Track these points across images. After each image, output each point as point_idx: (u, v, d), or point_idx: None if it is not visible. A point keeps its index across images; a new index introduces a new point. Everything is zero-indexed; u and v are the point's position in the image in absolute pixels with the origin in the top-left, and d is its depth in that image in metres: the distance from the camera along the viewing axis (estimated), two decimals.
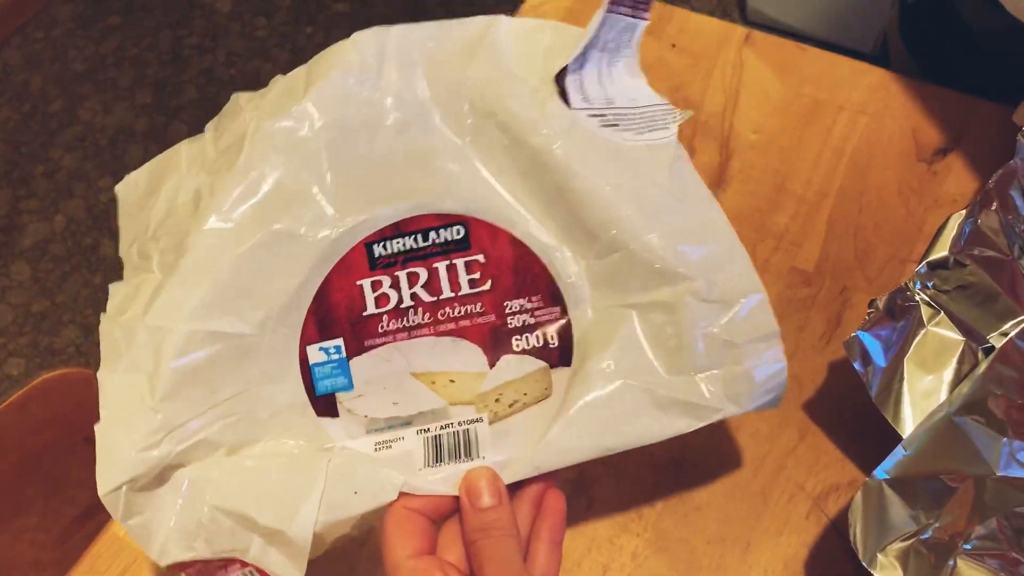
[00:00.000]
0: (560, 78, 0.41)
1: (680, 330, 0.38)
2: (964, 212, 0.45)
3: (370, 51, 0.42)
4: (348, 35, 0.43)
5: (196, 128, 0.44)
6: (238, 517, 0.37)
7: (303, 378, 0.40)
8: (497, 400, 0.40)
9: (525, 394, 0.40)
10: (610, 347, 0.38)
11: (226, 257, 0.39)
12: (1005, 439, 0.41)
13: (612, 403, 0.37)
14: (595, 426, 0.37)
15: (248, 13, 1.79)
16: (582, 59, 0.42)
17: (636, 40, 0.44)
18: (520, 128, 0.40)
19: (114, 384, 0.38)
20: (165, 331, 0.38)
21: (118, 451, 0.37)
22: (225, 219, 0.39)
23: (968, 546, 0.38)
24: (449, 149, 0.42)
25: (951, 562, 0.38)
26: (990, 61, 0.61)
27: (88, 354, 1.43)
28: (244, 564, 0.38)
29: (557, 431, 0.37)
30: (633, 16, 0.43)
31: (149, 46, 1.75)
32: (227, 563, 0.39)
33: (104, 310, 0.41)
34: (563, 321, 0.40)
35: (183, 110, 1.65)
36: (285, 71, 0.43)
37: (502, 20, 0.43)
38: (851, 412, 0.47)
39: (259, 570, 0.38)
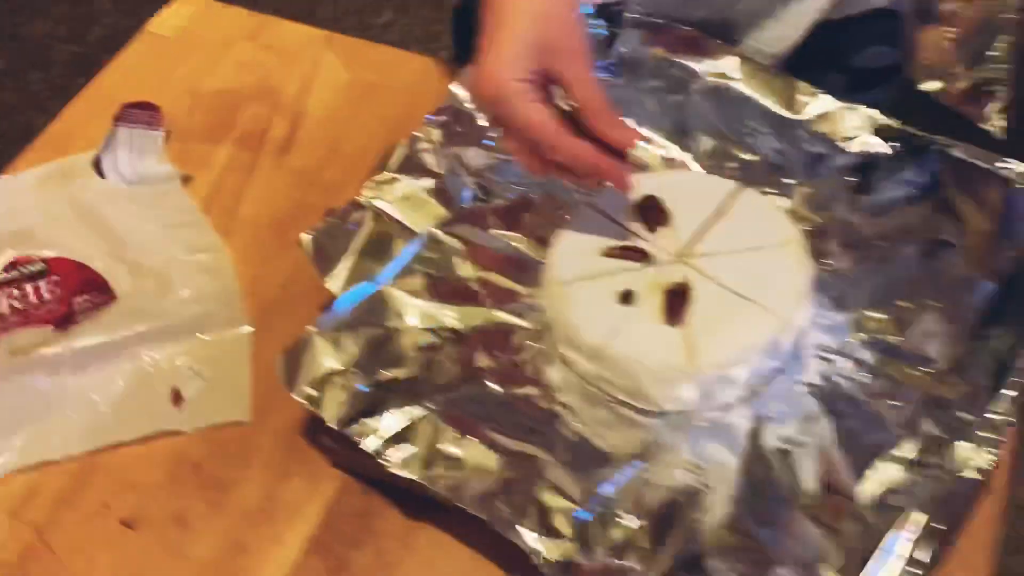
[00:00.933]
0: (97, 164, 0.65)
1: None
2: (406, 143, 0.59)
3: None
4: None
5: None
6: None
7: None
8: None
9: None
10: None
11: None
12: (420, 301, 0.55)
13: None
14: None
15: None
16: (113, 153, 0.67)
17: (160, 141, 0.69)
18: None
19: None
20: None
21: None
22: None
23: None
24: None
25: (362, 387, 0.51)
26: None
27: None
28: None
29: None
30: (150, 127, 0.70)
31: None
32: None
33: None
34: None
35: None
36: None
37: None
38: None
39: None
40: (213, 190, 0.69)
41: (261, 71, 0.76)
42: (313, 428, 0.56)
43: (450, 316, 0.55)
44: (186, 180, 0.69)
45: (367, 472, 0.55)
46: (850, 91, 0.61)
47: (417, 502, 0.54)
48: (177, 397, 0.59)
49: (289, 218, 0.66)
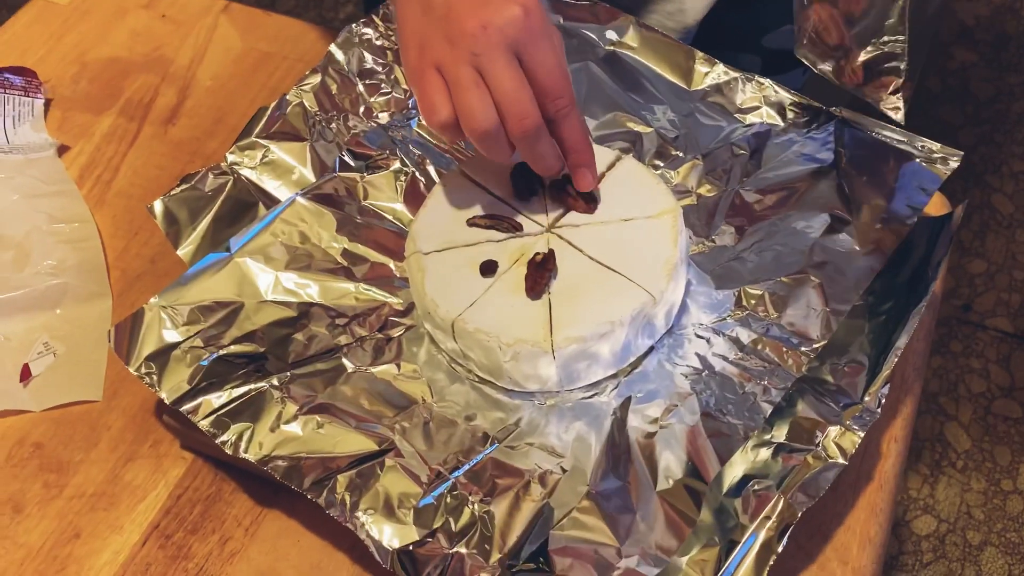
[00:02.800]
0: None
1: None
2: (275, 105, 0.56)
3: None
4: None
5: None
6: None
7: None
8: None
9: None
10: None
11: None
12: (277, 272, 0.51)
13: None
14: None
15: None
16: None
17: (39, 109, 0.66)
18: None
19: None
20: None
21: None
22: None
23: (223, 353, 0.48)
24: None
25: (204, 361, 0.47)
26: None
27: None
28: None
29: None
30: (28, 94, 0.66)
31: None
32: None
33: None
34: None
35: None
36: None
37: None
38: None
39: None
40: (90, 161, 0.65)
41: (153, 40, 0.72)
42: (163, 408, 0.52)
43: (309, 289, 0.51)
44: (63, 150, 0.66)
45: (216, 454, 0.51)
46: (765, 73, 0.58)
47: (267, 486, 0.50)
48: (25, 373, 0.55)
49: (165, 190, 0.63)
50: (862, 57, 0.51)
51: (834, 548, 0.46)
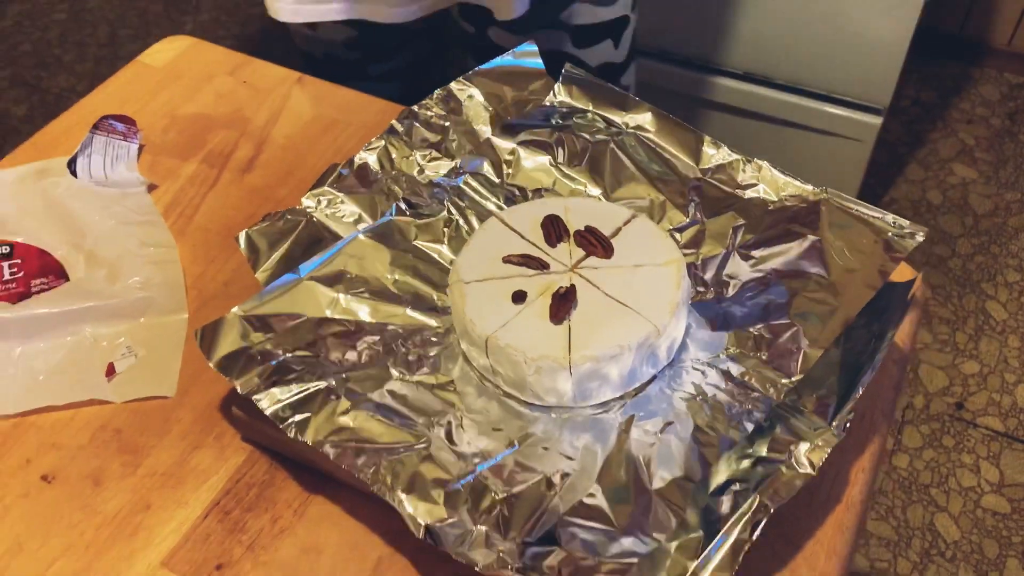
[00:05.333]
0: (72, 164, 0.73)
1: None
2: (346, 163, 0.66)
3: None
4: None
5: None
6: None
7: None
8: None
9: None
10: None
11: None
12: (337, 294, 0.60)
13: None
14: None
15: None
16: (87, 157, 0.75)
17: (133, 152, 0.77)
18: None
19: None
20: None
21: None
22: None
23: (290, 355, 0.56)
24: None
25: (273, 362, 0.56)
26: None
27: None
28: None
29: None
30: (126, 139, 0.77)
31: None
32: None
33: None
34: None
35: None
36: None
37: None
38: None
39: None
40: (175, 199, 0.76)
41: (235, 102, 0.83)
42: (228, 406, 0.61)
43: (363, 310, 0.60)
44: (151, 188, 0.76)
45: (271, 445, 0.59)
46: (578, 46, 0.70)
47: (313, 475, 0.58)
48: (111, 370, 0.63)
49: (239, 227, 0.72)
50: None
51: (804, 556, 0.53)
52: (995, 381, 1.53)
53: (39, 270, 0.69)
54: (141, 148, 0.78)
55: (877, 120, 1.48)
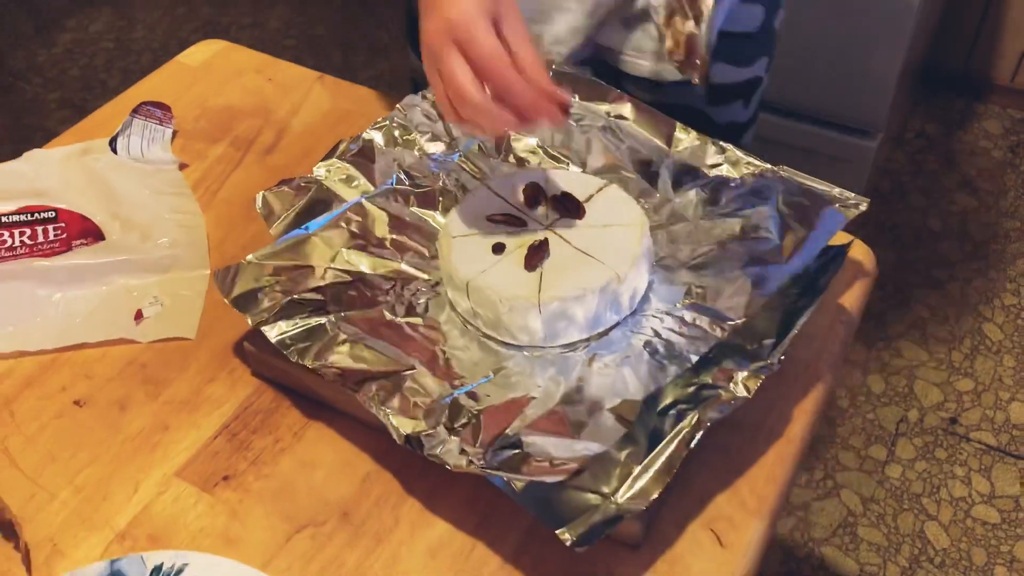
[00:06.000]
0: (113, 143, 0.81)
1: None
2: (354, 139, 0.74)
3: None
4: None
5: None
6: None
7: None
8: None
9: None
10: None
11: None
12: (340, 248, 0.67)
13: None
14: None
15: None
16: (127, 137, 0.83)
17: (168, 136, 0.85)
18: None
19: None
20: None
21: None
22: None
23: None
24: None
25: (281, 302, 0.63)
26: None
27: None
28: None
29: None
30: (162, 124, 0.86)
31: None
32: None
33: None
34: None
35: None
36: None
37: None
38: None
39: None
40: (203, 176, 0.84)
41: (261, 96, 0.92)
42: (241, 346, 0.68)
43: (363, 263, 0.67)
44: (183, 167, 0.84)
45: (277, 377, 0.66)
46: (710, 104, 0.77)
47: (312, 404, 0.65)
48: (139, 315, 0.71)
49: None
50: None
51: (746, 479, 0.59)
52: (989, 398, 1.56)
53: (79, 233, 0.77)
54: (174, 133, 0.87)
55: (872, 143, 1.54)
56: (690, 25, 0.74)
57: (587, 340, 0.63)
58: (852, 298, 0.71)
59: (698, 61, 0.72)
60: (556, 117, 0.59)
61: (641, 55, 0.83)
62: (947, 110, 2.13)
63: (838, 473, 1.48)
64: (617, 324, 0.63)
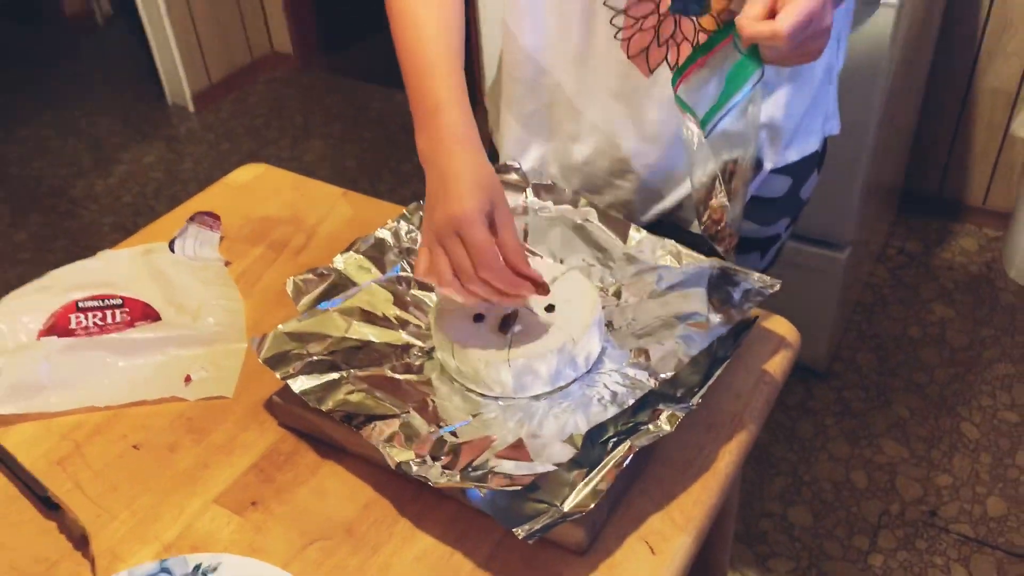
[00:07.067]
0: (172, 244, 0.97)
1: None
2: (367, 238, 0.91)
3: None
4: None
5: None
6: None
7: None
8: None
9: None
10: None
11: None
12: (353, 321, 0.83)
13: None
14: None
15: None
16: (184, 242, 0.99)
17: (216, 239, 1.02)
18: None
19: None
20: None
21: None
22: None
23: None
24: None
25: (304, 361, 0.78)
26: None
27: None
28: None
29: None
30: (212, 230, 1.02)
31: None
32: None
33: None
34: None
35: None
36: None
37: None
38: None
39: None
40: (244, 271, 1.01)
41: (294, 208, 1.11)
42: (270, 402, 0.83)
43: (371, 334, 0.83)
44: (227, 263, 1.02)
45: (299, 425, 0.81)
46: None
47: (326, 448, 0.79)
48: (188, 379, 0.87)
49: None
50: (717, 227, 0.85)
51: (676, 503, 0.72)
52: (967, 492, 1.65)
53: (141, 315, 0.94)
54: (222, 238, 1.05)
55: (842, 255, 1.70)
56: (723, 201, 0.87)
57: (549, 393, 0.77)
58: (775, 364, 0.85)
59: (728, 235, 0.87)
60: (528, 294, 0.74)
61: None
62: (925, 229, 2.30)
63: (823, 562, 1.56)
64: (575, 380, 0.78)
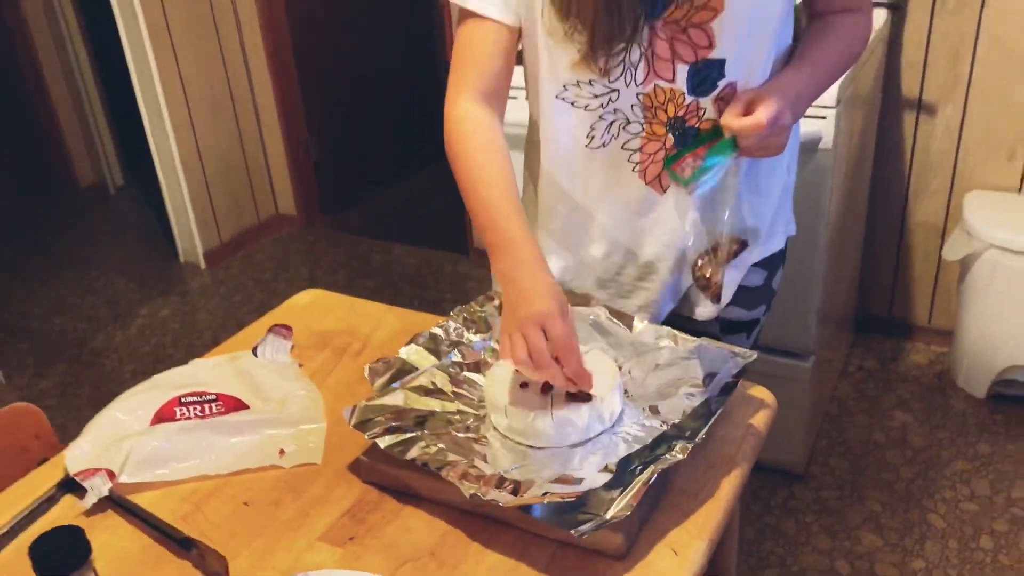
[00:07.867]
0: (255, 350, 1.17)
1: None
2: (424, 333, 1.13)
3: None
4: None
5: None
6: None
7: None
8: None
9: None
10: None
11: None
12: (420, 396, 1.04)
13: None
14: None
15: None
16: (264, 348, 1.20)
17: (288, 346, 1.23)
18: None
19: None
20: None
21: None
22: None
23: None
24: None
25: (386, 426, 0.98)
26: None
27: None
28: None
29: None
30: (285, 339, 1.24)
31: None
32: None
33: None
34: None
35: None
36: None
37: None
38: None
39: None
40: (315, 370, 1.22)
41: (348, 322, 1.32)
42: (355, 464, 1.02)
43: (434, 405, 1.03)
44: (300, 365, 1.22)
45: (382, 480, 1.00)
46: (723, 332, 1.21)
47: (405, 497, 0.98)
48: (281, 452, 1.06)
49: (354, 385, 1.17)
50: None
51: (691, 519, 0.91)
52: (939, 574, 1.81)
53: (233, 407, 1.14)
54: (293, 346, 1.26)
55: (807, 364, 1.93)
56: (711, 263, 1.19)
57: (583, 443, 0.97)
58: (758, 419, 1.06)
59: (714, 286, 1.18)
60: (588, 387, 0.98)
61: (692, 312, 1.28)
62: (881, 347, 2.55)
63: None
64: (602, 432, 0.98)
